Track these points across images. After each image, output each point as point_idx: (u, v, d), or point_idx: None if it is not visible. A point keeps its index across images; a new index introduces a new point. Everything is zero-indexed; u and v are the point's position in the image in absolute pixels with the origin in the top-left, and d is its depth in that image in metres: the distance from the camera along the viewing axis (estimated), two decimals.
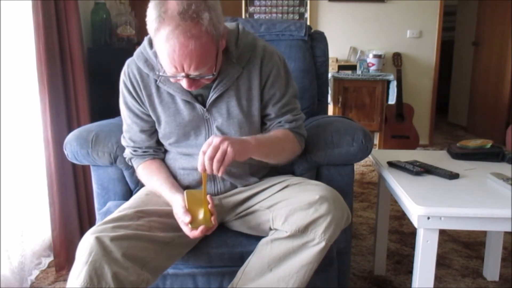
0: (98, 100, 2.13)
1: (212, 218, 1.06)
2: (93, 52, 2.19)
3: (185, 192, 1.09)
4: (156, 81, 1.16)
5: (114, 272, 0.95)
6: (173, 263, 1.15)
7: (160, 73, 1.10)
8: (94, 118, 1.80)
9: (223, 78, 1.15)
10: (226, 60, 1.14)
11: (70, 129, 1.76)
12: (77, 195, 1.88)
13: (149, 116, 1.21)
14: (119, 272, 0.96)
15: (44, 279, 1.76)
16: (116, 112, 1.60)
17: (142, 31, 2.62)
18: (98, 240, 0.97)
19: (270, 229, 1.12)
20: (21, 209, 1.70)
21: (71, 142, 1.33)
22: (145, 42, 1.18)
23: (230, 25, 1.20)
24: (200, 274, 1.25)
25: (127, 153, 1.28)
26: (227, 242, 1.21)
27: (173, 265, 1.23)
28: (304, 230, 1.04)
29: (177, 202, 1.09)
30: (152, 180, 1.22)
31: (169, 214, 1.12)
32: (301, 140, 1.27)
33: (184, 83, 1.05)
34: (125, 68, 1.21)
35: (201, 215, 1.05)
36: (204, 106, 1.17)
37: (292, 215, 1.06)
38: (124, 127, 1.27)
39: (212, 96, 1.16)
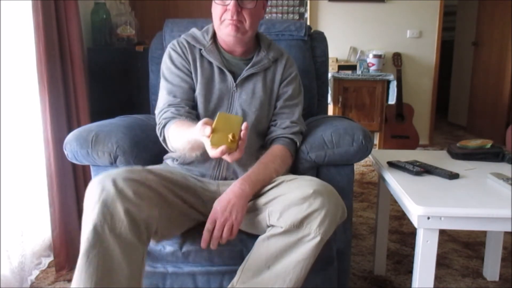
0: (98, 100, 2.13)
1: (239, 142, 1.01)
2: (93, 52, 2.19)
3: (218, 113, 1.04)
4: (200, 50, 1.35)
5: (126, 208, 0.95)
6: (173, 231, 1.17)
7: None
8: (94, 118, 1.80)
9: (256, 63, 1.36)
10: (259, 52, 1.38)
11: (70, 129, 1.76)
12: (77, 195, 1.88)
13: (192, 79, 1.34)
14: (131, 209, 0.96)
15: (44, 279, 1.76)
16: (116, 112, 1.61)
17: (142, 31, 2.62)
18: (109, 178, 0.99)
19: (268, 226, 1.13)
20: (21, 209, 1.70)
21: (71, 142, 1.33)
22: (194, 29, 1.42)
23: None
24: (200, 273, 1.25)
25: (168, 115, 1.27)
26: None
27: (173, 264, 1.23)
28: (299, 225, 1.05)
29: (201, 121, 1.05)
30: (184, 126, 1.19)
31: (182, 185, 1.18)
32: (293, 150, 1.34)
33: (231, 4, 1.24)
34: (173, 41, 1.40)
35: (226, 135, 0.99)
36: (235, 81, 1.34)
37: (287, 211, 1.07)
38: (168, 90, 1.32)
39: (244, 74, 1.34)
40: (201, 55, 1.35)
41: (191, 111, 1.31)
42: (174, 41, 1.39)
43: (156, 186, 1.08)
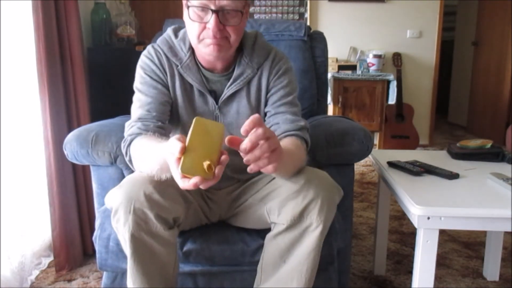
0: (98, 100, 2.13)
1: (216, 169, 0.82)
2: (93, 52, 2.19)
3: (195, 118, 0.81)
4: (177, 66, 1.19)
5: (156, 213, 1.01)
6: (186, 226, 1.20)
7: (190, 4, 1.07)
8: (94, 118, 1.80)
9: (237, 77, 1.19)
10: (241, 61, 1.20)
11: (70, 129, 1.76)
12: (77, 195, 1.88)
13: (169, 92, 1.19)
14: (160, 213, 1.01)
15: (44, 279, 1.76)
16: (116, 112, 1.61)
17: (142, 31, 2.62)
18: (138, 186, 1.01)
19: (270, 223, 1.13)
20: (21, 209, 1.70)
21: (71, 142, 1.33)
22: (170, 31, 1.23)
23: (250, 31, 1.26)
24: (201, 273, 1.25)
25: (134, 130, 1.12)
26: (228, 239, 1.21)
27: None
28: (299, 218, 1.05)
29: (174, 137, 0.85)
30: (150, 142, 1.05)
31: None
32: (306, 148, 1.18)
33: (212, 21, 1.04)
34: (148, 48, 1.22)
35: (202, 159, 0.77)
36: (217, 103, 1.20)
37: (284, 207, 1.07)
38: (142, 103, 1.16)
39: (226, 93, 1.19)
40: (179, 72, 1.19)
41: (163, 126, 1.15)
42: (150, 49, 1.21)
43: (177, 185, 0.94)
